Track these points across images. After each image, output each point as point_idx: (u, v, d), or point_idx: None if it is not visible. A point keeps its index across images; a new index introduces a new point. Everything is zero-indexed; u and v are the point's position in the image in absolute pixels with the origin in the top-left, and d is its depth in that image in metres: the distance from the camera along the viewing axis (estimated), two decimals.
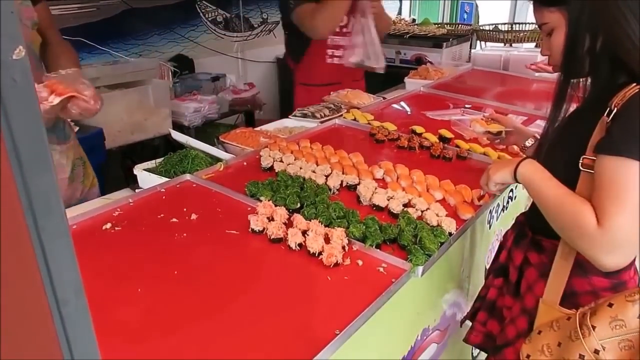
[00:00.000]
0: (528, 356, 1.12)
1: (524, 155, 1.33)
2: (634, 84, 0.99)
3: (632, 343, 0.95)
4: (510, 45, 3.67)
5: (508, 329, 1.27)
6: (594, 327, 0.98)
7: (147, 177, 1.70)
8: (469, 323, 1.48)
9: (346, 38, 2.65)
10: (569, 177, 1.07)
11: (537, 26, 1.21)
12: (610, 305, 0.98)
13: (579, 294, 1.13)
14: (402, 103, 2.68)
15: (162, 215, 1.43)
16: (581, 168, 1.04)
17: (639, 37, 0.98)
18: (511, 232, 1.35)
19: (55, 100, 1.39)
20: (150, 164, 1.79)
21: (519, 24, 4.10)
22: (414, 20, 5.77)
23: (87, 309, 0.46)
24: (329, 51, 2.69)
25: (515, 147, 1.84)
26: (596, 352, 0.98)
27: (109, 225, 1.36)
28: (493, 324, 1.37)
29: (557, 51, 1.13)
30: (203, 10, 3.97)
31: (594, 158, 1.01)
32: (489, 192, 1.36)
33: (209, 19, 4.02)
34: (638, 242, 0.98)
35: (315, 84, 2.74)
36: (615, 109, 0.99)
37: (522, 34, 3.72)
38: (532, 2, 1.18)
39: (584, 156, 1.03)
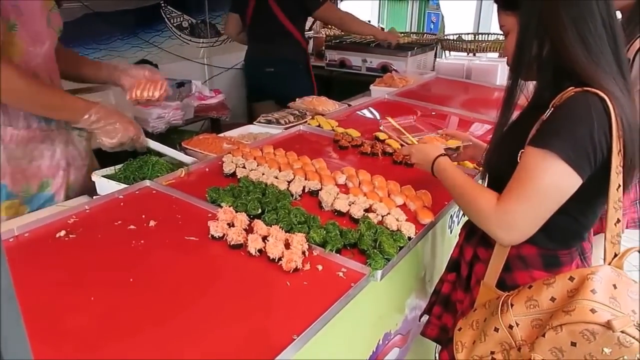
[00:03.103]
0: (460, 329, 1.21)
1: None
2: (571, 88, 1.07)
3: (542, 322, 1.03)
4: (474, 55, 3.75)
5: (459, 321, 1.32)
6: (512, 305, 1.08)
7: (105, 183, 1.66)
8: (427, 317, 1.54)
9: None
10: (510, 171, 1.13)
11: (501, 32, 1.26)
12: (530, 287, 1.08)
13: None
14: (367, 110, 2.70)
15: (119, 222, 1.40)
16: (519, 161, 1.12)
17: (575, 48, 1.06)
18: (463, 229, 1.41)
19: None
20: (109, 170, 1.75)
21: (482, 34, 4.21)
22: (382, 29, 5.85)
23: (18, 310, 0.44)
24: None
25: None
26: (510, 327, 1.06)
27: (62, 233, 1.32)
28: (447, 318, 1.44)
29: (509, 52, 1.19)
30: (168, 16, 3.92)
31: None
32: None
33: (174, 25, 3.98)
34: (529, 224, 1.09)
35: None
36: (552, 108, 1.08)
37: (484, 44, 3.82)
38: (496, 4, 1.24)
39: (522, 151, 1.11)
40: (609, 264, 1.06)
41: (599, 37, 1.06)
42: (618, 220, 1.07)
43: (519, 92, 1.19)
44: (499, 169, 1.22)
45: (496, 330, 1.08)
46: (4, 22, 1.46)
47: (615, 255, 1.07)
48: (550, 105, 1.08)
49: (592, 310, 0.94)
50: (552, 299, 1.02)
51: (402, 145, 1.91)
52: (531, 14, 1.10)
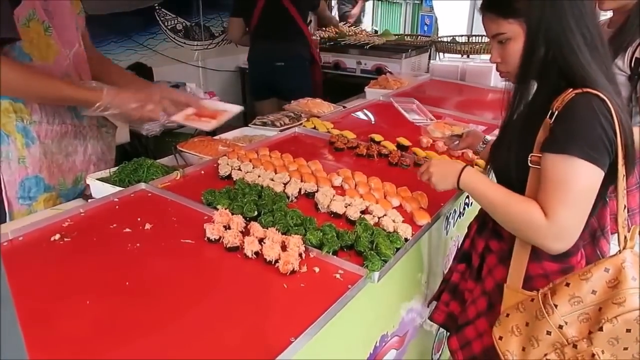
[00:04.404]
0: (501, 337, 1.21)
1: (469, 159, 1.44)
2: (571, 89, 1.12)
3: (589, 315, 1.06)
4: (467, 57, 3.76)
5: (469, 309, 1.38)
6: (556, 306, 1.09)
7: (100, 186, 1.65)
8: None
9: None
10: (519, 173, 1.20)
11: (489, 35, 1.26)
12: (568, 284, 1.09)
13: (533, 277, 1.24)
14: (362, 112, 2.71)
15: (114, 225, 1.39)
16: (530, 165, 1.17)
17: (582, 51, 1.12)
18: (474, 222, 1.47)
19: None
20: (104, 173, 1.75)
21: (475, 36, 4.22)
22: (375, 31, 5.87)
23: (14, 315, 0.44)
24: None
25: (469, 152, 1.89)
26: (560, 327, 1.09)
27: (57, 237, 1.31)
28: (455, 305, 1.49)
29: (513, 59, 1.22)
30: (162, 19, 3.91)
31: (540, 155, 1.14)
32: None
33: (169, 27, 3.97)
34: (579, 229, 1.14)
35: None
36: (557, 111, 1.12)
37: (478, 46, 3.83)
38: (487, 12, 1.23)
39: (532, 154, 1.16)
40: (624, 247, 1.10)
41: (593, 38, 1.13)
42: (625, 207, 1.15)
43: (525, 95, 1.23)
44: (506, 169, 1.27)
45: (548, 333, 1.10)
46: (40, 24, 1.57)
47: (625, 238, 1.12)
48: (553, 109, 1.13)
49: None
50: (593, 292, 1.06)
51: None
52: (539, 19, 1.13)
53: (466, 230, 1.52)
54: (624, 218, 1.14)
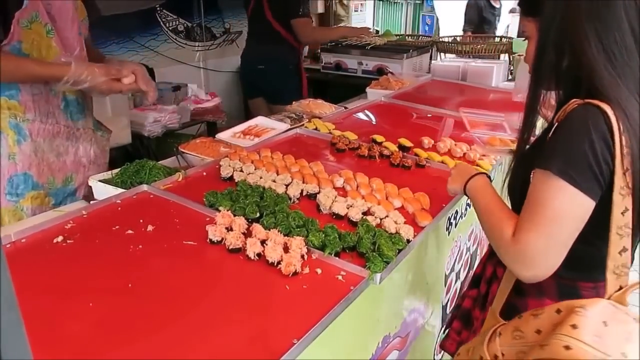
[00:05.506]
0: (459, 354, 1.19)
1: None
2: (573, 100, 0.99)
3: (524, 355, 0.98)
4: (469, 57, 3.77)
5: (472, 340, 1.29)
6: (500, 334, 1.03)
7: (102, 188, 1.66)
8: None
9: None
10: (524, 192, 1.06)
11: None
12: (520, 316, 1.03)
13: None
14: (363, 113, 2.71)
15: (117, 227, 1.39)
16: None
17: (598, 60, 0.97)
18: (490, 245, 1.35)
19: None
20: (106, 174, 1.75)
21: (477, 36, 4.23)
22: (377, 31, 5.87)
23: (20, 318, 0.44)
24: None
25: (470, 153, 1.87)
26: (495, 357, 1.02)
27: (60, 239, 1.31)
28: (466, 334, 1.39)
29: (529, 60, 1.13)
30: (163, 20, 3.92)
31: None
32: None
33: (170, 28, 3.98)
34: (551, 259, 0.97)
35: None
36: (556, 124, 1.01)
37: (479, 46, 3.83)
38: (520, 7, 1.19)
39: (533, 171, 1.04)
40: (609, 297, 0.97)
41: (625, 48, 0.97)
42: (624, 249, 0.96)
43: (540, 105, 1.10)
44: (514, 190, 1.16)
45: (481, 359, 1.04)
46: (42, 26, 1.60)
47: (621, 288, 0.97)
48: (555, 121, 1.01)
49: (567, 347, 0.89)
50: (538, 332, 0.97)
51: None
52: (551, 21, 1.02)
53: (469, 232, 1.50)
54: (620, 264, 0.96)
